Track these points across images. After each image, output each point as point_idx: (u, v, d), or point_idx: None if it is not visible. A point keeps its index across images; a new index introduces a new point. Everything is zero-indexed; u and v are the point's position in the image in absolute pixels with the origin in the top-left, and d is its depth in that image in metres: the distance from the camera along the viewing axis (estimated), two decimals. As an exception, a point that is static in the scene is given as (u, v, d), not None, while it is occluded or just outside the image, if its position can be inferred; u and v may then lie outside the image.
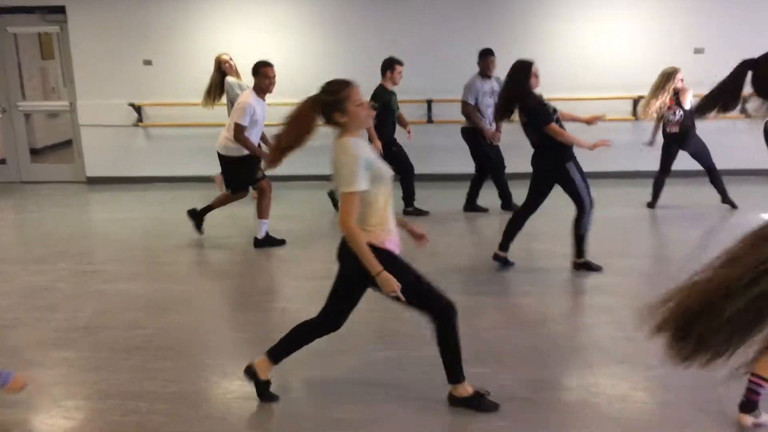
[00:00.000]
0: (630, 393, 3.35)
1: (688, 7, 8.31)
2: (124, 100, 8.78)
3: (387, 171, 2.99)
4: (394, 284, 2.85)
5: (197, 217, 6.27)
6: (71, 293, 4.98)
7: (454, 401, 3.19)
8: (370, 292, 4.67)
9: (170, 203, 7.90)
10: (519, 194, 7.08)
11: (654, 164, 8.41)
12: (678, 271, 5.20)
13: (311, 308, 4.68)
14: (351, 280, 3.12)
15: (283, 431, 3.08)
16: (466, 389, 3.18)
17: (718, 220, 6.68)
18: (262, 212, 5.97)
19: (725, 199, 6.94)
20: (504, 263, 5.25)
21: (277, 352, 3.26)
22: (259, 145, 5.91)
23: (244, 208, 7.45)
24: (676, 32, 8.29)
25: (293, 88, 8.38)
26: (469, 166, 7.23)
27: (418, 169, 7.12)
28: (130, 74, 8.75)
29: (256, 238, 6.00)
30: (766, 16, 8.18)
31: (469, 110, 6.85)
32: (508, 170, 7.11)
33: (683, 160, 7.00)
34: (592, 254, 5.20)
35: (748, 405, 2.91)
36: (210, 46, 8.49)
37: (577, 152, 5.08)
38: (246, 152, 5.78)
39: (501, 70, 7.84)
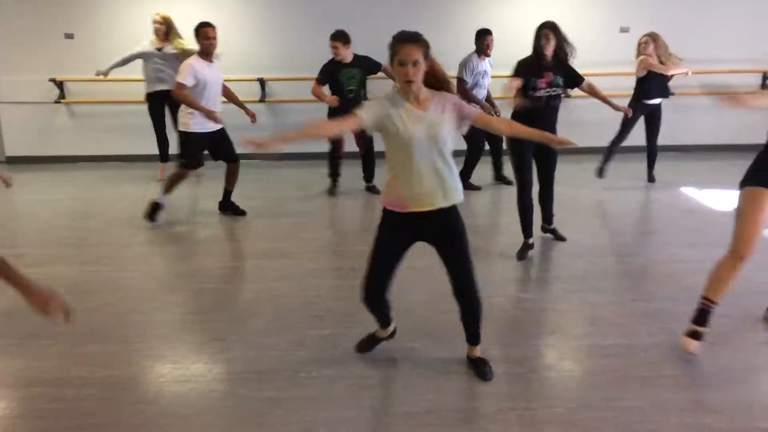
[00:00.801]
0: (557, 362, 3.46)
1: (615, -14, 8.52)
2: (44, 76, 8.39)
3: (404, 132, 2.87)
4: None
5: (229, 208, 6.30)
6: (-9, 278, 4.78)
7: None
8: (305, 271, 4.65)
9: (96, 183, 7.65)
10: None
11: (582, 142, 8.66)
12: (605, 244, 5.40)
13: (245, 287, 4.68)
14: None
15: (215, 412, 3.05)
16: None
17: (665, 196, 6.93)
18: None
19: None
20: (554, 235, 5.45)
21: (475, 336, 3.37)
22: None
23: (181, 190, 7.28)
24: (602, 11, 8.49)
25: (228, 62, 8.31)
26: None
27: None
28: (51, 48, 8.37)
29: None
30: (687, -2, 8.47)
31: (464, 88, 6.71)
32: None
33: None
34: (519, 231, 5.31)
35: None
36: (134, 19, 8.22)
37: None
38: (205, 129, 5.80)
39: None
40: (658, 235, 5.66)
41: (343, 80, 6.74)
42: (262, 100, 8.43)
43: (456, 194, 3.03)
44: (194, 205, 6.83)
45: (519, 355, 3.55)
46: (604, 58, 8.34)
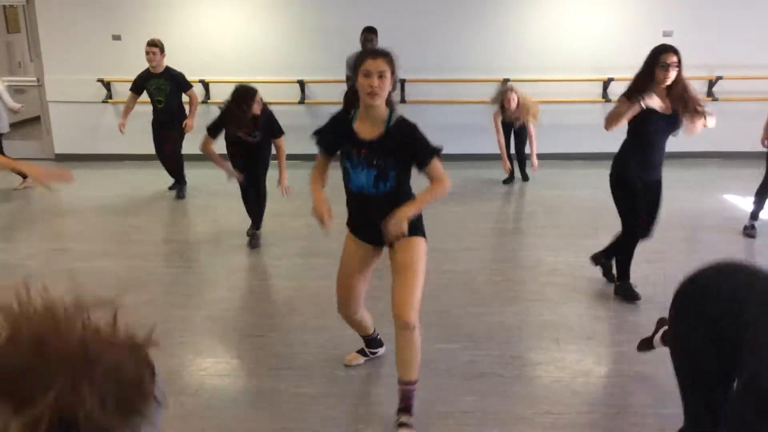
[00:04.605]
0: (594, 368, 3.45)
1: (659, -10, 8.41)
2: (92, 76, 8.62)
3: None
4: None
5: None
6: (41, 271, 4.94)
7: None
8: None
9: (140, 181, 7.83)
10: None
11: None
12: (643, 250, 5.35)
13: (283, 284, 4.76)
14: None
15: (255, 406, 3.12)
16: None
17: (684, 202, 6.84)
18: None
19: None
20: None
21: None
22: None
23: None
24: (645, 15, 8.38)
25: (268, 64, 8.43)
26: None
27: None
28: (99, 49, 8.59)
29: None
30: (732, 1, 8.30)
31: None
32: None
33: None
34: (559, 234, 5.28)
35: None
36: (181, 19, 8.40)
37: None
38: None
39: (481, 54, 7.91)
40: (699, 243, 5.58)
41: (152, 92, 6.86)
42: (301, 102, 8.54)
43: None
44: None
45: (555, 358, 3.55)
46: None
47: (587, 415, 3.01)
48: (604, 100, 8.43)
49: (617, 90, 8.38)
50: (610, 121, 4.15)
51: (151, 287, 4.63)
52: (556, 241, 5.43)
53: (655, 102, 3.99)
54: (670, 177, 7.21)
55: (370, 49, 2.84)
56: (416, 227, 2.94)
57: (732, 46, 8.31)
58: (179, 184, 7.15)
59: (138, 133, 9.05)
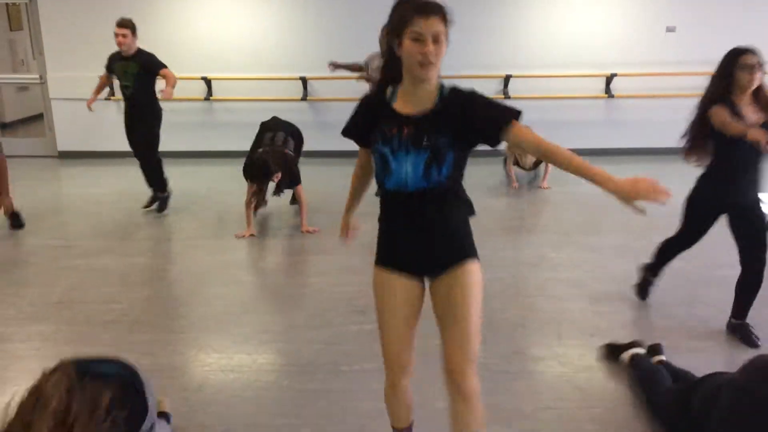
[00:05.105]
0: (596, 363, 3.45)
1: (662, -15, 8.39)
2: (95, 73, 8.59)
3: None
4: None
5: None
6: (44, 268, 4.95)
7: None
8: (345, 267, 4.71)
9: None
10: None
11: (626, 142, 8.56)
12: (647, 245, 5.34)
13: (286, 281, 4.77)
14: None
15: (259, 402, 3.13)
16: None
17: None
18: None
19: None
20: None
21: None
22: None
23: (215, 182, 7.42)
24: (648, 10, 8.37)
25: (270, 61, 8.43)
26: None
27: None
28: (102, 46, 8.55)
29: None
30: (736, -4, 8.29)
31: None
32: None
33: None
34: (562, 231, 5.27)
35: None
36: (183, 16, 8.41)
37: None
38: None
39: (484, 51, 7.88)
40: (704, 241, 5.55)
41: (118, 76, 6.23)
42: (304, 99, 8.54)
43: None
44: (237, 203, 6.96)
45: (558, 354, 3.56)
46: (650, 58, 8.23)
47: (589, 410, 3.02)
48: (606, 95, 8.43)
49: (620, 85, 8.41)
50: (731, 131, 3.41)
51: (154, 284, 4.64)
52: (558, 237, 5.43)
53: (749, 117, 3.48)
54: (674, 174, 7.26)
55: (420, 3, 1.99)
56: (465, 244, 2.39)
57: (736, 42, 8.26)
58: (157, 194, 6.42)
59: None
